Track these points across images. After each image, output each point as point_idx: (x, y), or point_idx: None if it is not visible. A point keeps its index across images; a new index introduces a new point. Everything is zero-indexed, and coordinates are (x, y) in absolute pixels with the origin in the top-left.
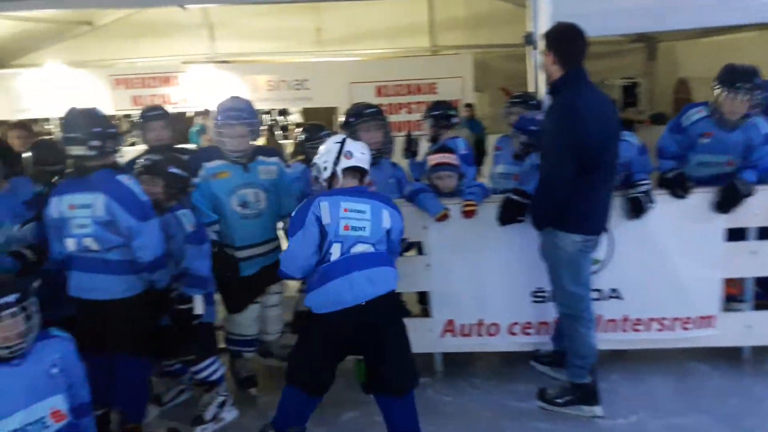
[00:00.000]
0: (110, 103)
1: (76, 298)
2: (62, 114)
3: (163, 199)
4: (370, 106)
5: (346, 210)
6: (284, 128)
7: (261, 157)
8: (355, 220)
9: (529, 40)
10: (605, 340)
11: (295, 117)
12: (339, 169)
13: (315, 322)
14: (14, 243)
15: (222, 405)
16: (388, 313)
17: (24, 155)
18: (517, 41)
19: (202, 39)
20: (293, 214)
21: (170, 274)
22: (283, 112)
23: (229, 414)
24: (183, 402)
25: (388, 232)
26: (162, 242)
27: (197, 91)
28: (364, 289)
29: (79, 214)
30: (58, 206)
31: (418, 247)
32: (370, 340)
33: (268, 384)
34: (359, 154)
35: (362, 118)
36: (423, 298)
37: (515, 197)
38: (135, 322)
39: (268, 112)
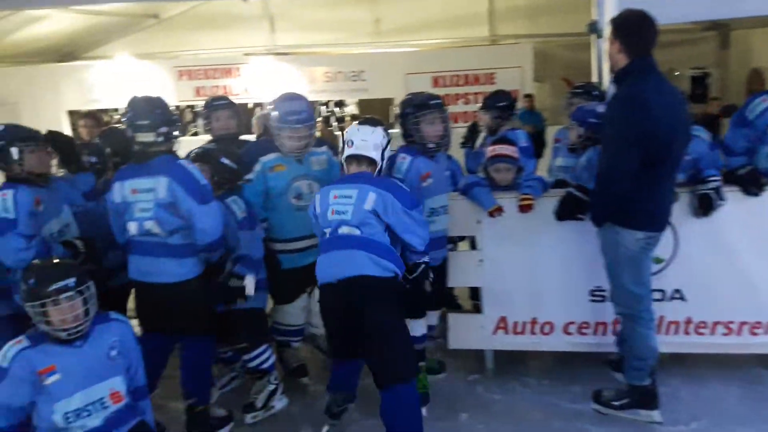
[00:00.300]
0: (174, 93)
1: (136, 282)
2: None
3: (212, 188)
4: (433, 96)
5: (335, 197)
6: (340, 119)
7: (312, 148)
8: (341, 205)
9: (593, 28)
10: (666, 343)
11: (351, 108)
12: (342, 158)
13: None
14: (69, 233)
15: (273, 393)
16: (365, 296)
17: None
18: (580, 30)
19: (263, 31)
20: None
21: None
22: (340, 104)
23: (279, 402)
24: (234, 389)
25: (377, 213)
26: (221, 225)
27: (257, 83)
28: (335, 268)
29: (142, 198)
30: (120, 191)
31: (471, 241)
32: (354, 323)
33: (321, 373)
34: (360, 141)
35: (428, 109)
36: (475, 293)
37: (576, 193)
38: (198, 303)
39: (325, 104)
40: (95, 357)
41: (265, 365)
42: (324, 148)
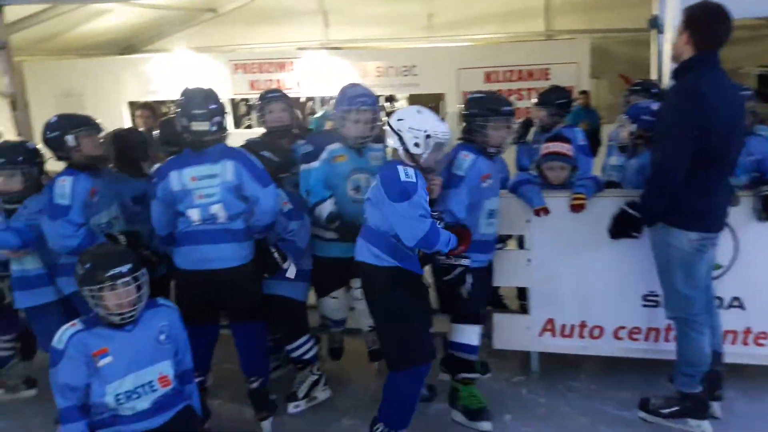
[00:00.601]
0: (230, 87)
1: (191, 272)
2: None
3: None
4: (506, 102)
5: None
6: (389, 114)
7: (370, 144)
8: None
9: (654, 23)
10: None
11: (402, 103)
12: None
13: None
14: (116, 225)
15: (315, 384)
16: (364, 282)
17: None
18: (640, 25)
19: (317, 25)
20: None
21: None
22: (390, 99)
23: (322, 393)
24: (278, 379)
25: (373, 203)
26: (278, 207)
27: (310, 77)
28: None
29: (204, 185)
30: (179, 179)
31: (519, 240)
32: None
33: (364, 367)
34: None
35: (499, 116)
36: (522, 293)
37: (630, 211)
38: (257, 285)
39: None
40: (145, 341)
41: (307, 356)
42: (381, 145)
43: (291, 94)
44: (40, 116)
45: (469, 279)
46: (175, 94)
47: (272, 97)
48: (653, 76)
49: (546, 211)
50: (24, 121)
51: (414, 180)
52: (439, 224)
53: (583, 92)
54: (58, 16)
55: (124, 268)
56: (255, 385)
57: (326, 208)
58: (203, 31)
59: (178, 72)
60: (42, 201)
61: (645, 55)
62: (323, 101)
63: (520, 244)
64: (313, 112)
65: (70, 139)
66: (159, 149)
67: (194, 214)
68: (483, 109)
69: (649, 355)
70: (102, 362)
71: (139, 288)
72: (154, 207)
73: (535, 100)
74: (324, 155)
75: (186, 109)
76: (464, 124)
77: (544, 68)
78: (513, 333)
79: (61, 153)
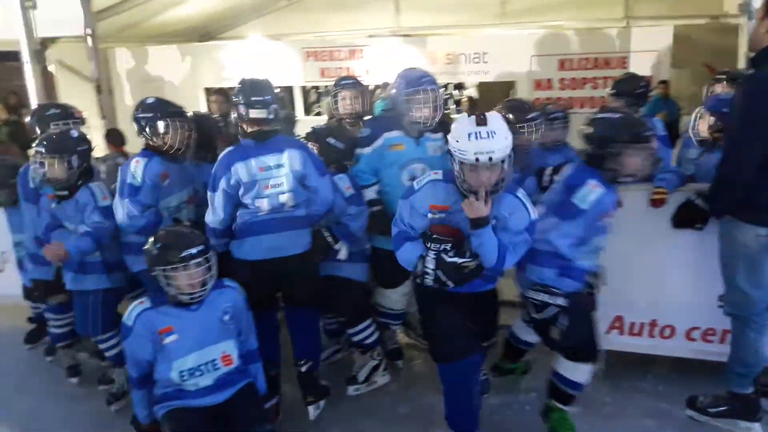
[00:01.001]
0: (301, 74)
1: (259, 261)
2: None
3: None
4: (647, 128)
5: None
6: (457, 102)
7: (428, 133)
8: None
9: (746, 9)
10: None
11: (471, 91)
12: None
13: None
14: (186, 210)
15: (375, 369)
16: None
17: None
18: (729, 11)
19: (388, 12)
20: None
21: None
22: (459, 87)
23: (382, 378)
24: (338, 361)
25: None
26: (332, 198)
27: (379, 65)
28: None
29: (271, 175)
30: (247, 170)
31: None
32: None
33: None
34: None
35: (644, 143)
36: None
37: (696, 201)
38: (317, 271)
39: (444, 87)
40: (209, 320)
41: (369, 341)
42: (440, 135)
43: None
44: (122, 101)
45: (563, 320)
46: None
47: (345, 84)
48: (741, 66)
49: (619, 204)
50: (108, 105)
51: (410, 190)
52: (450, 254)
53: (663, 82)
54: (141, 4)
55: (196, 249)
56: (304, 368)
57: (367, 195)
58: (277, 18)
59: (251, 59)
60: (87, 194)
61: (732, 44)
62: (381, 88)
63: None
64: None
65: (161, 124)
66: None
67: (264, 204)
68: (626, 135)
69: (723, 359)
70: (167, 340)
71: (209, 269)
72: (217, 200)
73: (610, 90)
74: (379, 142)
75: (245, 96)
76: (591, 147)
77: (622, 56)
78: None
79: (147, 133)
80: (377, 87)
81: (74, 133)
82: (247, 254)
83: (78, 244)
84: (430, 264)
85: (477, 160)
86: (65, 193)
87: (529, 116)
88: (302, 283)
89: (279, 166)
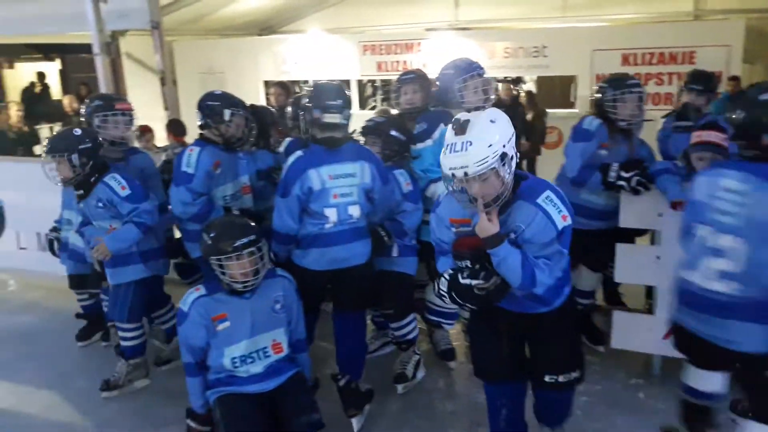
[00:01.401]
0: (357, 68)
1: (320, 271)
2: (317, 79)
3: (381, 159)
4: (629, 77)
5: None
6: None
7: None
8: None
9: None
10: None
11: (529, 86)
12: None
13: None
14: (241, 199)
15: (418, 364)
16: None
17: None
18: None
19: (447, 6)
20: None
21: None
22: (517, 81)
23: (420, 373)
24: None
25: None
26: (393, 204)
27: (436, 58)
28: None
29: (340, 184)
30: (319, 177)
31: (651, 235)
32: None
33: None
34: None
35: (627, 88)
36: (650, 292)
37: None
38: (371, 278)
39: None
40: (261, 309)
41: (411, 335)
42: None
43: None
44: (185, 92)
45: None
46: (306, 75)
47: (406, 78)
48: None
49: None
50: (171, 96)
51: (435, 202)
52: (465, 274)
53: (734, 78)
54: None
55: (248, 239)
56: (342, 383)
57: (441, 187)
58: (336, 12)
59: (310, 53)
60: (104, 190)
61: None
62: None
63: (651, 239)
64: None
65: (227, 113)
66: (289, 126)
67: (331, 214)
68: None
69: None
70: (221, 327)
71: (261, 258)
72: (290, 206)
73: (678, 85)
74: (437, 134)
75: (319, 100)
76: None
77: (690, 51)
78: (634, 333)
79: (210, 121)
80: (434, 80)
81: (77, 131)
82: (310, 264)
83: (119, 237)
84: (443, 285)
85: (453, 175)
86: (81, 192)
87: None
88: (357, 291)
89: (349, 175)
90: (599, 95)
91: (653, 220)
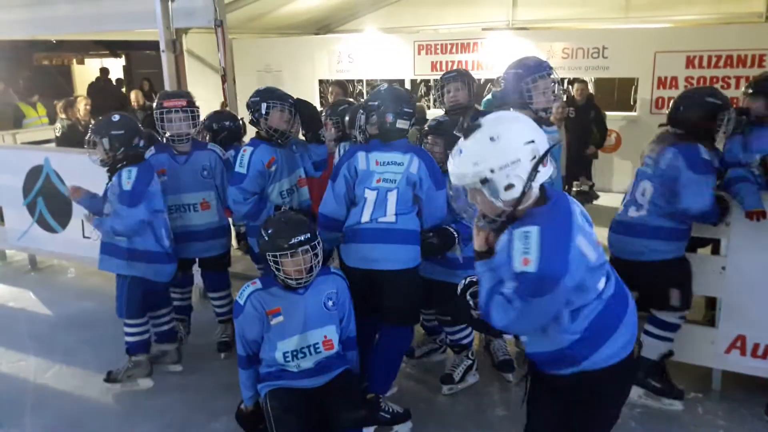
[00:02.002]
0: (411, 68)
1: (352, 267)
2: (381, 86)
3: (442, 159)
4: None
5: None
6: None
7: (543, 125)
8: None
9: None
10: None
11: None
12: (537, 184)
13: None
14: (297, 192)
15: (469, 368)
16: None
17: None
18: None
19: (505, 5)
20: None
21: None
22: (575, 82)
23: (473, 378)
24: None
25: None
26: (444, 213)
27: (493, 58)
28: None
29: (387, 170)
30: (366, 160)
31: (715, 245)
32: None
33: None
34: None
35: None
36: (712, 303)
37: None
38: (418, 292)
39: (560, 82)
40: (314, 305)
41: (466, 340)
42: (554, 128)
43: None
44: (243, 90)
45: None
46: (361, 74)
47: (449, 77)
48: None
49: (763, 214)
50: (231, 93)
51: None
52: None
53: None
54: None
55: (303, 237)
56: (370, 391)
57: None
58: (392, 11)
59: (365, 52)
60: (116, 178)
61: None
62: (495, 83)
63: (715, 249)
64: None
65: (263, 106)
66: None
67: (369, 195)
68: None
69: None
70: (274, 321)
71: (315, 256)
72: (337, 188)
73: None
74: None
75: (394, 106)
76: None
77: (760, 54)
78: (695, 346)
79: (254, 117)
80: (488, 81)
81: (114, 117)
82: (346, 259)
83: (101, 224)
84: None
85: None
86: (109, 174)
87: None
88: (396, 302)
89: (398, 163)
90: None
91: (720, 229)
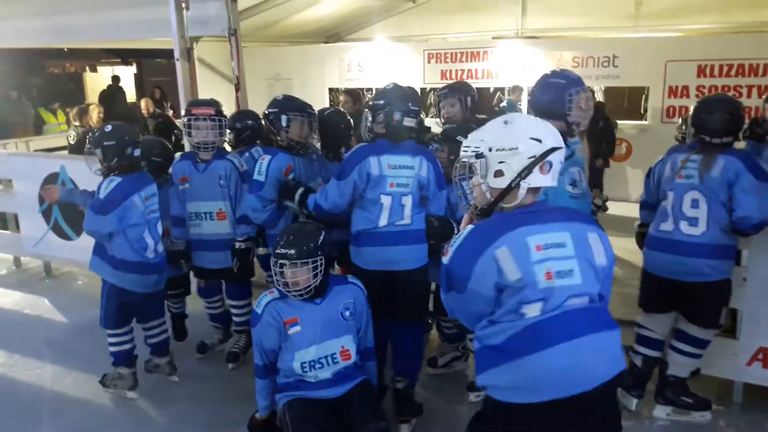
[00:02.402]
0: (421, 76)
1: (370, 270)
2: (388, 85)
3: (447, 165)
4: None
5: (539, 248)
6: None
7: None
8: (558, 261)
9: None
10: None
11: (598, 96)
12: (526, 184)
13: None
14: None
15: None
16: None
17: None
18: None
19: (514, 14)
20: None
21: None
22: None
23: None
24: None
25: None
26: (443, 213)
27: (503, 67)
28: (592, 365)
29: (398, 174)
30: (378, 164)
31: (737, 255)
32: None
33: None
34: (558, 164)
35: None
36: (733, 315)
37: None
38: (425, 288)
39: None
40: (331, 315)
41: None
42: (577, 139)
43: (483, 84)
44: (253, 98)
45: None
46: (370, 82)
47: (442, 93)
48: None
49: None
50: (244, 102)
51: None
52: None
53: None
54: (280, 5)
55: (294, 252)
56: (401, 385)
57: None
58: (401, 20)
59: (374, 61)
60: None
61: None
62: (510, 91)
63: (737, 259)
64: (499, 102)
65: (284, 118)
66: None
67: (386, 201)
68: None
69: None
70: (292, 331)
71: (314, 269)
72: (344, 187)
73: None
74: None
75: (401, 104)
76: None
77: None
78: (717, 358)
79: (273, 128)
80: (497, 89)
81: (107, 128)
82: (362, 263)
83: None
84: None
85: None
86: None
87: None
88: (411, 299)
89: (409, 167)
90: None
91: (741, 239)
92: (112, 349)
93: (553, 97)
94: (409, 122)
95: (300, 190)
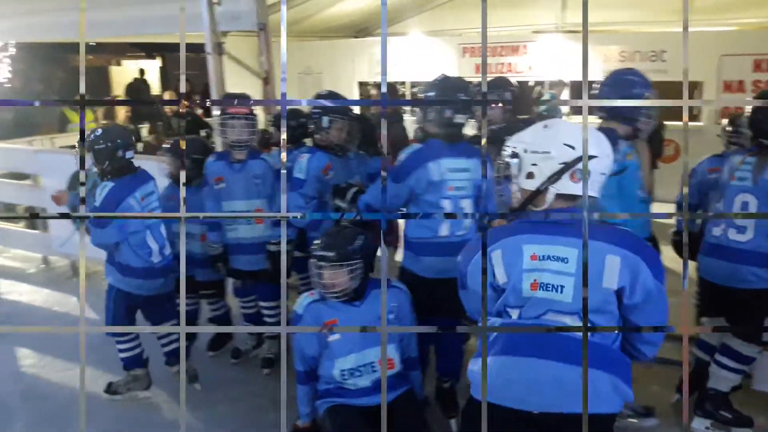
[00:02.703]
0: (456, 71)
1: (429, 278)
2: (438, 77)
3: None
4: None
5: (534, 257)
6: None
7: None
8: (551, 274)
9: None
10: None
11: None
12: (554, 189)
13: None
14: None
15: None
16: None
17: None
18: None
19: (554, 8)
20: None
21: None
22: None
23: None
24: None
25: (619, 295)
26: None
27: (544, 61)
28: (533, 388)
29: (456, 177)
30: (438, 169)
31: None
32: None
33: None
34: (598, 175)
35: None
36: None
37: None
38: None
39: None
40: (371, 319)
41: None
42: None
43: (523, 79)
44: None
45: None
46: (401, 76)
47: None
48: None
49: None
50: (273, 96)
51: None
52: None
53: None
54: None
55: (332, 254)
56: (447, 384)
57: None
58: (436, 15)
59: (406, 55)
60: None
61: None
62: (551, 85)
63: None
64: (539, 96)
65: (325, 120)
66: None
67: (447, 205)
68: None
69: None
70: (331, 338)
71: (351, 272)
72: (400, 191)
73: None
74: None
75: (451, 98)
76: None
77: None
78: (765, 373)
79: (314, 128)
80: (537, 83)
81: (97, 132)
82: (421, 271)
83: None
84: None
85: None
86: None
87: None
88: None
89: (465, 170)
90: None
91: None
92: (122, 354)
93: (626, 95)
94: (460, 119)
95: (353, 190)
